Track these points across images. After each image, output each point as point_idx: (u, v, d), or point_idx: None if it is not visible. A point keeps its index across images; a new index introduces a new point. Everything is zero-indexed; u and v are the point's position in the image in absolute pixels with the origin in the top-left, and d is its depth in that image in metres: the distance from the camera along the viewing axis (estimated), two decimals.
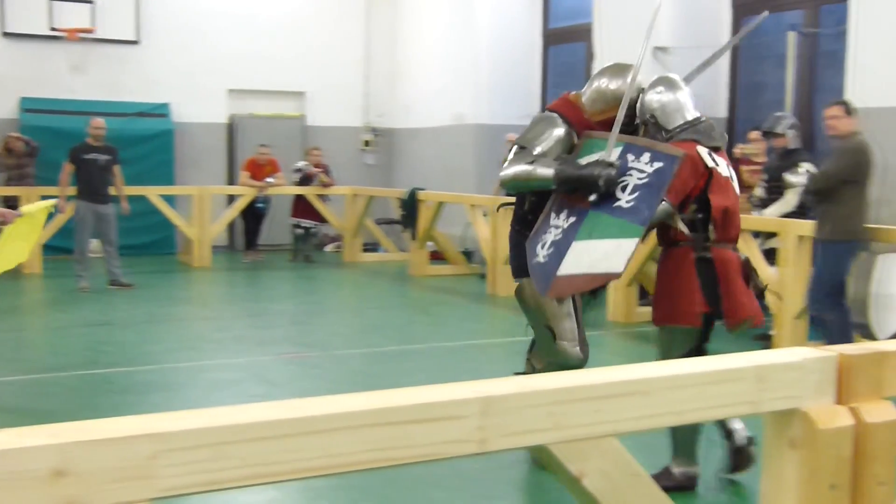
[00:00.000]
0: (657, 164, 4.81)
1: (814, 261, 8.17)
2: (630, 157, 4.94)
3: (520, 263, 5.31)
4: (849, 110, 7.85)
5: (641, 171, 4.85)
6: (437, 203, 13.62)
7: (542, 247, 5.05)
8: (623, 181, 4.86)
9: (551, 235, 5.04)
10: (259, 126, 17.11)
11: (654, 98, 5.15)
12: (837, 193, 7.72)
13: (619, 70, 5.36)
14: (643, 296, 10.88)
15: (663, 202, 4.80)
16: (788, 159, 9.00)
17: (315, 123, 17.89)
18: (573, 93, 5.50)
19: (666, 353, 5.05)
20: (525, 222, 5.37)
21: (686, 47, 12.05)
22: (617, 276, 4.88)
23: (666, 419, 2.01)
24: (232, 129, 17.40)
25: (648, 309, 10.36)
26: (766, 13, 5.89)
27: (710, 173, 4.96)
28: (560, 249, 4.95)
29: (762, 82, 12.18)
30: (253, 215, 15.47)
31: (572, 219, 4.97)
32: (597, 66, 13.06)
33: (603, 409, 1.90)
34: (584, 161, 5.01)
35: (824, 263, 7.92)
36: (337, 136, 17.98)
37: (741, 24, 12.21)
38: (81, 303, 11.28)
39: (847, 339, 7.89)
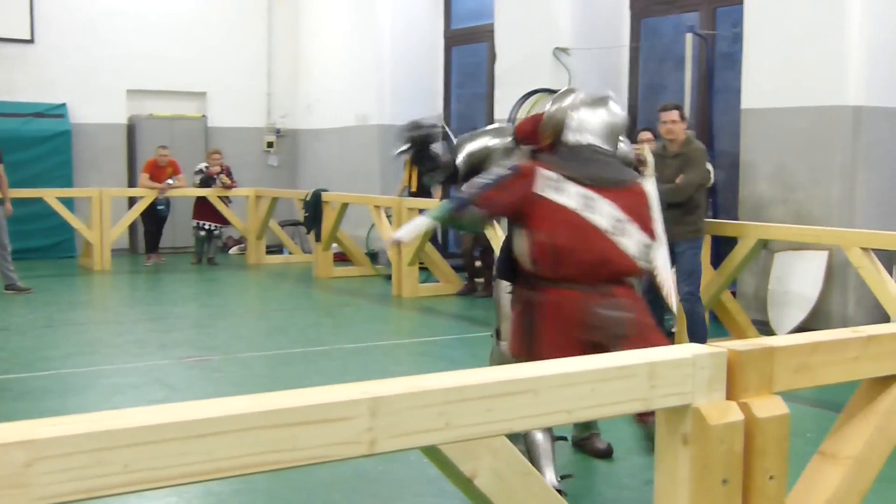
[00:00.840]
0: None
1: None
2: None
3: (501, 266, 4.93)
4: (683, 115, 8.15)
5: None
6: (341, 204, 13.55)
7: None
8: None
9: None
10: (159, 127, 16.84)
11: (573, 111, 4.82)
12: (691, 199, 8.00)
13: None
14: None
15: (474, 208, 4.59)
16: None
17: (217, 124, 17.68)
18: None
19: None
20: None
21: (586, 48, 12.18)
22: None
23: (557, 417, 2.01)
24: (131, 130, 17.10)
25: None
26: None
27: (537, 201, 4.52)
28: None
29: (661, 84, 12.36)
30: (154, 218, 15.21)
31: None
32: (499, 66, 13.15)
33: (494, 409, 1.90)
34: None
35: (694, 260, 8.08)
36: (239, 137, 17.80)
37: (640, 25, 12.38)
38: None
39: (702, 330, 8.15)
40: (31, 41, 16.19)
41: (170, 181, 14.79)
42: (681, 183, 7.88)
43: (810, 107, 9.16)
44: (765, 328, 9.09)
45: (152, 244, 15.40)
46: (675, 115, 8.02)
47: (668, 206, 7.99)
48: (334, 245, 14.12)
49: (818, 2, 9.11)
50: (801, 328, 8.82)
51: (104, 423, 1.53)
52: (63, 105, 16.30)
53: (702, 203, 8.15)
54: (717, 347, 2.23)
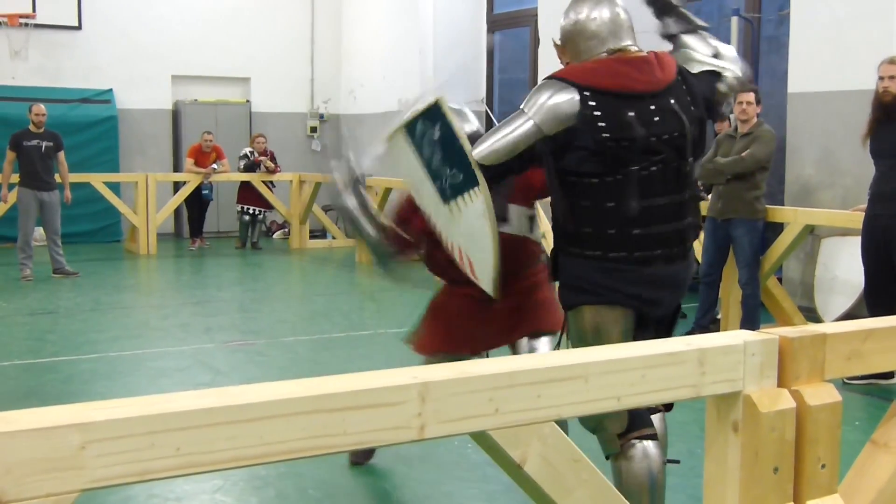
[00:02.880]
0: None
1: (717, 240, 8.27)
2: None
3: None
4: (759, 99, 8.16)
5: None
6: (384, 189, 13.56)
7: None
8: None
9: None
10: (204, 112, 16.94)
11: None
12: (753, 176, 8.02)
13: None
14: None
15: None
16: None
17: (260, 109, 17.74)
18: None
19: None
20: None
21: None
22: None
23: (606, 404, 2.00)
24: (176, 115, 17.22)
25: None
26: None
27: None
28: None
29: None
30: (198, 202, 15.33)
31: None
32: (542, 51, 13.08)
33: (543, 395, 1.89)
34: None
35: (751, 246, 8.05)
36: (283, 122, 17.86)
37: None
38: (25, 292, 11.13)
39: (758, 316, 8.11)
40: (78, 28, 16.34)
41: (214, 166, 14.88)
42: (745, 155, 7.91)
43: (858, 90, 9.03)
44: (811, 315, 9.00)
45: (196, 229, 15.51)
46: (751, 96, 8.05)
47: (727, 181, 8.01)
48: None
49: None
50: (848, 315, 8.72)
51: (157, 406, 1.53)
52: (109, 91, 16.44)
53: (761, 184, 8.11)
54: (769, 334, 2.20)
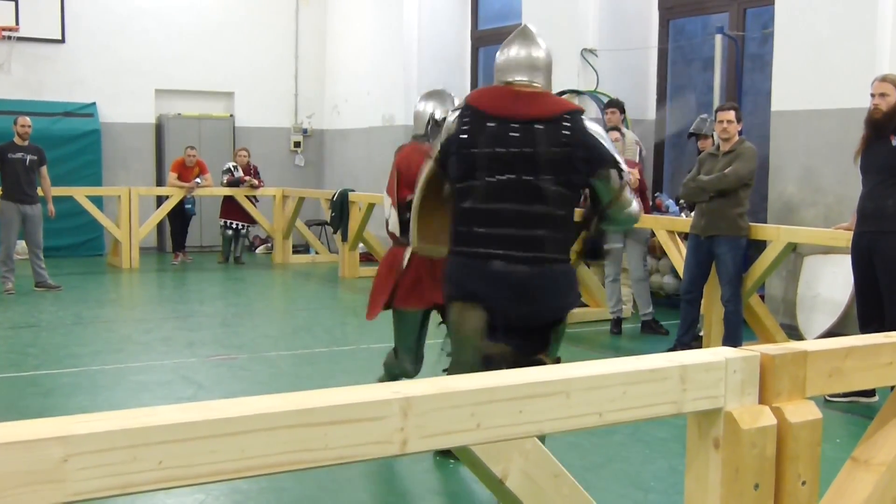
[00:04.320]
0: None
1: (699, 257, 8.28)
2: None
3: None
4: (739, 117, 8.19)
5: None
6: (367, 204, 13.56)
7: None
8: None
9: None
10: (187, 126, 16.93)
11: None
12: (736, 193, 8.02)
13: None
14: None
15: None
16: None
17: (244, 124, 17.75)
18: None
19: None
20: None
21: (613, 49, 12.16)
22: None
23: (588, 419, 2.00)
24: (160, 129, 17.19)
25: (578, 310, 10.46)
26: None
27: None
28: None
29: (689, 85, 12.32)
30: (181, 217, 15.30)
31: None
32: None
33: (525, 410, 1.89)
34: None
35: (734, 263, 8.07)
36: (266, 137, 17.86)
37: (668, 26, 12.34)
38: (7, 305, 11.08)
39: (740, 333, 8.12)
40: (61, 41, 16.33)
41: (197, 180, 14.86)
42: (728, 172, 7.93)
43: (841, 109, 9.09)
44: (793, 332, 9.04)
45: (179, 243, 15.48)
46: (731, 115, 8.09)
47: (710, 198, 8.04)
48: (360, 245, 14.14)
49: (850, 3, 9.05)
50: (830, 333, 8.75)
51: (139, 419, 1.53)
52: (93, 104, 16.42)
53: (744, 202, 8.10)
54: (750, 351, 2.21)
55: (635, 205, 4.49)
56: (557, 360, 4.33)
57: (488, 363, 4.16)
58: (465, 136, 4.30)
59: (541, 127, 4.23)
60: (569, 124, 4.26)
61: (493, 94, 4.45)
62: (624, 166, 4.39)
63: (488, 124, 4.28)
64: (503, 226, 4.23)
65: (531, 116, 4.27)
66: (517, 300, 4.23)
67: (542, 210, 4.21)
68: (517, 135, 4.24)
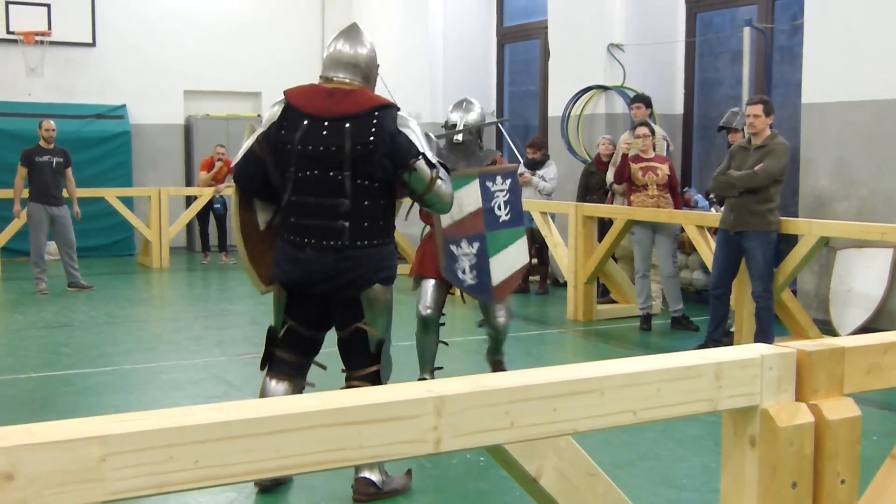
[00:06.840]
0: (507, 180, 6.56)
1: (729, 252, 8.18)
2: (489, 183, 6.49)
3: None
4: (768, 110, 7.97)
5: (501, 190, 6.49)
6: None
7: (465, 272, 6.42)
8: (495, 202, 6.48)
9: (467, 262, 6.41)
10: (215, 127, 16.97)
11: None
12: (766, 189, 7.91)
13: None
14: (604, 293, 10.91)
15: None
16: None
17: None
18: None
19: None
20: None
21: (640, 44, 12.10)
22: (528, 264, 7.17)
23: (622, 418, 1.99)
24: (188, 129, 17.28)
25: (608, 307, 10.42)
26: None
27: None
28: (482, 269, 6.47)
29: (718, 78, 12.25)
30: (211, 216, 15.35)
31: (476, 244, 6.44)
32: (552, 63, 13.09)
33: (559, 408, 1.88)
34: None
35: (764, 258, 7.98)
36: None
37: (695, 19, 12.28)
38: (40, 305, 11.17)
39: (772, 329, 8.03)
40: (92, 44, 16.44)
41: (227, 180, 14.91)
42: (758, 170, 7.80)
43: (872, 100, 9.02)
44: (826, 328, 8.95)
45: (209, 242, 15.53)
46: (758, 109, 7.89)
47: (739, 194, 7.93)
48: None
49: None
50: (864, 328, 8.68)
51: (175, 419, 1.54)
52: (123, 106, 16.52)
53: (774, 197, 7.97)
54: (786, 348, 2.18)
55: (448, 194, 4.90)
56: (381, 342, 5.37)
57: (292, 335, 5.10)
58: (283, 131, 4.72)
59: (349, 125, 4.63)
60: (376, 121, 4.65)
61: (308, 93, 4.79)
62: (433, 158, 4.77)
63: (303, 122, 4.68)
64: (312, 217, 4.70)
65: (342, 114, 4.65)
66: (333, 282, 4.77)
67: (345, 203, 4.66)
68: (326, 133, 4.64)
